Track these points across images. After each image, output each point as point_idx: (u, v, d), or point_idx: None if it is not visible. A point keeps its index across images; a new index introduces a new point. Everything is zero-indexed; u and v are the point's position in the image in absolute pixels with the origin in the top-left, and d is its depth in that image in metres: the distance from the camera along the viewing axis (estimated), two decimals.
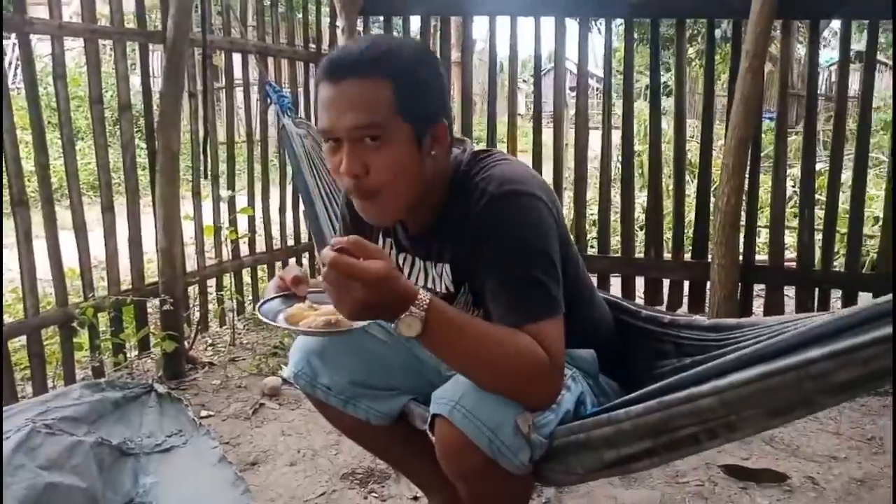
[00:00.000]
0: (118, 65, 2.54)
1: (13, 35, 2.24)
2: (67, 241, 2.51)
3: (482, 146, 1.34)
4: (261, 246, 3.48)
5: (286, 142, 2.23)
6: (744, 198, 3.21)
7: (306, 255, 3.79)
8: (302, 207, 3.32)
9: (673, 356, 1.49)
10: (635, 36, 3.54)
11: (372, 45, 1.16)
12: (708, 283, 3.30)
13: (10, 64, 7.89)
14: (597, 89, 13.34)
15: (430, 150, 1.19)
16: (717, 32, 9.65)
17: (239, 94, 3.38)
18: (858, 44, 4.72)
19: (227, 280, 3.29)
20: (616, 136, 3.53)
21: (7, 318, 2.40)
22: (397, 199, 1.19)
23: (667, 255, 3.54)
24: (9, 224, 2.29)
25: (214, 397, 2.68)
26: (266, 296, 1.29)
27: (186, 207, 2.98)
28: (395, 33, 3.83)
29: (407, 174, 1.17)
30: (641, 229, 4.12)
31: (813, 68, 3.31)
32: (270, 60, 3.37)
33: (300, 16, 3.62)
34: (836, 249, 3.40)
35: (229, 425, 2.47)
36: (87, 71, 2.44)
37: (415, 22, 3.67)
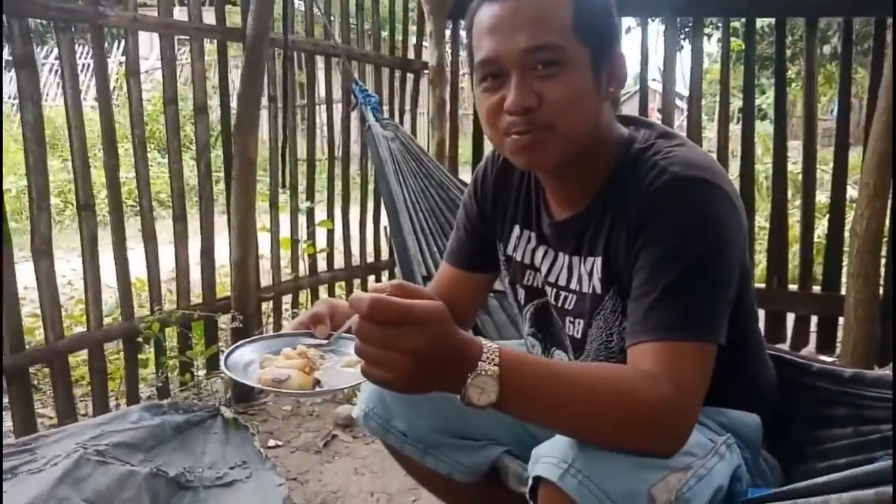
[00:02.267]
0: (195, 63, 2.39)
1: (87, 26, 2.10)
2: (135, 252, 2.35)
3: None
4: (339, 262, 3.27)
5: (371, 144, 2.01)
6: (886, 222, 2.77)
7: (386, 272, 3.56)
8: (384, 221, 3.11)
9: (849, 424, 1.15)
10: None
11: None
12: (841, 320, 2.87)
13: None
14: (685, 110, 12.77)
15: (607, 86, 0.99)
16: (827, 47, 9.00)
17: (322, 109, 3.20)
18: None
19: (304, 296, 3.09)
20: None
21: (68, 330, 2.25)
22: (570, 137, 0.98)
23: (792, 286, 3.11)
24: (67, 229, 2.14)
25: (284, 425, 2.45)
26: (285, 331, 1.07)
27: (263, 219, 2.81)
28: None
29: (584, 108, 0.97)
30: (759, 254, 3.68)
31: None
32: (355, 65, 3.18)
33: (387, 21, 3.43)
34: None
35: (298, 458, 2.23)
36: (162, 68, 2.29)
37: None
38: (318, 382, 0.95)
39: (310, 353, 1.00)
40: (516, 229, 1.17)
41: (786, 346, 3.13)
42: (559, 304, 1.11)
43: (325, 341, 1.02)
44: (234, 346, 1.01)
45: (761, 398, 1.12)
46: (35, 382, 2.59)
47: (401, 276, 1.86)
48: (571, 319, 1.09)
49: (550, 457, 0.88)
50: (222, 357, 0.97)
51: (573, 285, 1.08)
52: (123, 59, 2.20)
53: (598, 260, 1.02)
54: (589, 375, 0.86)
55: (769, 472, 1.11)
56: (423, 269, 1.81)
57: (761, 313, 3.08)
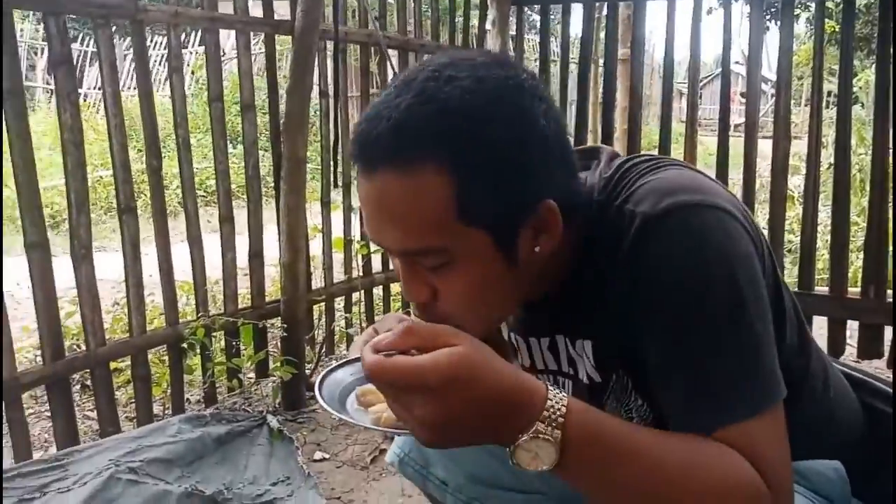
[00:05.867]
0: (241, 58, 2.29)
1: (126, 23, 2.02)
2: (180, 253, 2.28)
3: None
4: None
5: None
6: None
7: None
8: None
9: None
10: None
11: (415, 102, 0.70)
12: None
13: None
14: (771, 95, 12.08)
15: (531, 248, 0.77)
16: None
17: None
18: None
19: (356, 298, 2.98)
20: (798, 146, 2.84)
21: (109, 337, 2.21)
22: (485, 320, 0.81)
23: (891, 295, 2.79)
24: (100, 232, 2.08)
25: (332, 436, 2.35)
26: (351, 354, 0.86)
27: (314, 219, 2.70)
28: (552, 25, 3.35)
29: (493, 293, 0.78)
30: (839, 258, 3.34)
31: None
32: (411, 57, 3.03)
33: (448, 9, 3.26)
34: None
35: (343, 474, 2.12)
36: (206, 64, 2.20)
37: (576, 12, 3.18)
38: None
39: None
40: None
41: (882, 363, 2.82)
42: None
43: None
44: (325, 371, 0.82)
45: (843, 439, 0.92)
46: (88, 384, 2.57)
47: None
48: None
49: None
50: (317, 387, 0.79)
51: (565, 368, 0.91)
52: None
53: (588, 344, 0.85)
54: (680, 445, 0.69)
55: None
56: None
57: (855, 325, 2.82)
